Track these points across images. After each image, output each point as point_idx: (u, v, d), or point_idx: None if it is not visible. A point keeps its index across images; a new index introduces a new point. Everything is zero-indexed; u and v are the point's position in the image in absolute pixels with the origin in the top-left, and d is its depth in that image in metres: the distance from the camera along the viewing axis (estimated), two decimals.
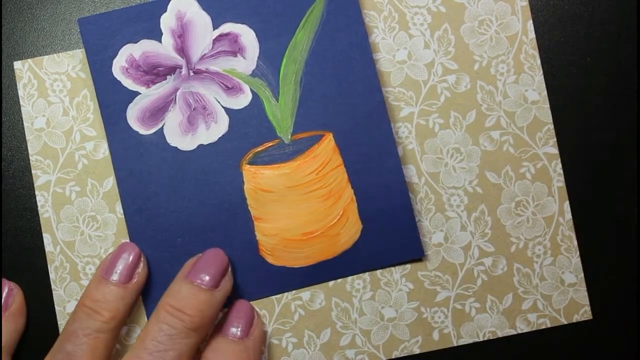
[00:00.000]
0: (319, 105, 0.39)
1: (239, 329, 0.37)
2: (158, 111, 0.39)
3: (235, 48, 0.39)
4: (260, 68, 0.39)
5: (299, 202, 0.39)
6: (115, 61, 0.39)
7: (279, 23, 0.39)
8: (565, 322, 0.39)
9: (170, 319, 0.35)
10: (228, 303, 0.38)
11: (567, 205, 0.40)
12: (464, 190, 0.39)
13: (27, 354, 0.39)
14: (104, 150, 0.39)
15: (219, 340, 0.36)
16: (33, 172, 0.39)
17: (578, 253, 0.39)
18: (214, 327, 0.37)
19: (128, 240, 0.38)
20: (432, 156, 0.39)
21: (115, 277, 0.36)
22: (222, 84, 0.39)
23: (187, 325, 0.35)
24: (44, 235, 0.39)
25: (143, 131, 0.39)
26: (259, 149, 0.39)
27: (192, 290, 0.35)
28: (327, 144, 0.39)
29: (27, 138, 0.39)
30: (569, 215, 0.40)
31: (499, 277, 0.39)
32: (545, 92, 0.40)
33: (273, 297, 0.39)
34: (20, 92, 0.39)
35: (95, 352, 0.35)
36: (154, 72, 0.39)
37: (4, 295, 0.38)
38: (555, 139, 0.40)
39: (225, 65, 0.39)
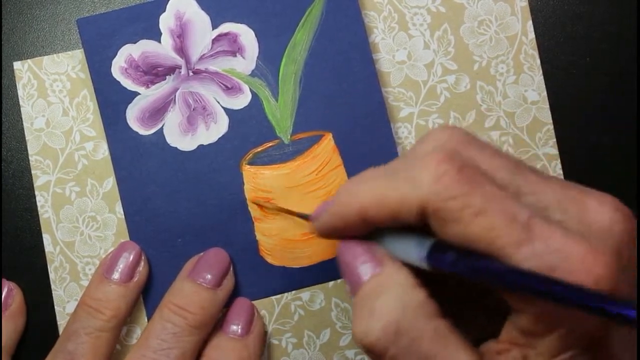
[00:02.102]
0: (318, 105, 0.39)
1: (239, 327, 0.37)
2: (157, 111, 0.39)
3: (234, 48, 0.39)
4: (260, 68, 0.39)
5: (298, 202, 0.39)
6: (114, 61, 0.39)
7: (278, 23, 0.39)
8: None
9: (173, 317, 0.35)
10: (228, 302, 0.38)
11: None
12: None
13: (27, 354, 0.39)
14: (103, 151, 0.39)
15: (220, 338, 0.36)
16: (33, 172, 0.39)
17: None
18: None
19: (128, 240, 0.38)
20: None
21: (116, 275, 0.37)
22: (222, 84, 0.39)
23: (190, 323, 0.35)
24: (43, 235, 0.39)
25: (143, 131, 0.39)
26: (259, 149, 0.39)
27: (194, 289, 0.36)
28: (327, 144, 0.39)
29: (26, 138, 0.39)
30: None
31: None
32: (544, 93, 0.40)
33: (273, 297, 0.39)
34: (20, 93, 0.39)
35: (97, 351, 0.35)
36: (153, 72, 0.39)
37: (3, 295, 0.38)
38: (554, 139, 0.40)
39: (224, 65, 0.39)
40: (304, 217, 0.37)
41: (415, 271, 0.26)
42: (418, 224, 0.25)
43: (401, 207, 0.25)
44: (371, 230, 0.28)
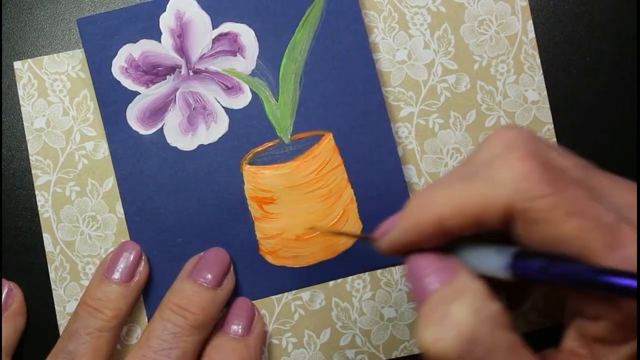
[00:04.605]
0: (318, 105, 0.39)
1: (240, 327, 0.37)
2: (158, 111, 0.39)
3: (234, 47, 0.39)
4: (260, 68, 0.39)
5: (299, 202, 0.39)
6: (114, 61, 0.39)
7: (279, 22, 0.39)
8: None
9: (174, 317, 0.35)
10: (229, 302, 0.38)
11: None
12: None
13: (27, 354, 0.39)
14: (104, 150, 0.39)
15: (221, 338, 0.36)
16: (33, 172, 0.39)
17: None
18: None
19: (129, 240, 0.38)
20: (432, 156, 0.39)
21: (116, 275, 0.37)
22: (222, 83, 0.39)
23: (190, 323, 0.35)
24: (44, 235, 0.39)
25: (143, 131, 0.39)
26: (259, 149, 0.39)
27: (195, 289, 0.36)
28: (327, 144, 0.39)
29: (27, 138, 0.39)
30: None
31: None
32: (545, 92, 0.40)
33: (273, 297, 0.39)
34: (20, 92, 0.39)
35: (98, 350, 0.35)
36: (153, 72, 0.39)
37: (3, 295, 0.38)
38: (555, 139, 0.40)
39: (224, 64, 0.39)
40: (364, 239, 0.36)
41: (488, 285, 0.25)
42: (499, 230, 0.25)
43: (484, 210, 0.24)
44: (444, 244, 0.27)
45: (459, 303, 0.24)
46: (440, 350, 0.23)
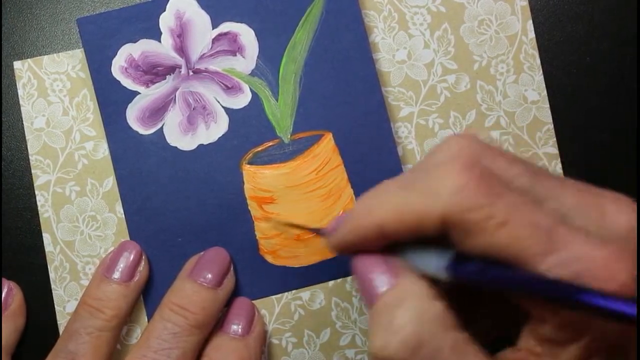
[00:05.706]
0: (318, 105, 0.39)
1: (240, 326, 0.37)
2: (158, 111, 0.39)
3: (234, 47, 0.39)
4: (260, 67, 0.39)
5: (298, 202, 0.39)
6: (114, 61, 0.39)
7: (278, 22, 0.39)
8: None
9: (174, 316, 0.35)
10: (228, 302, 0.38)
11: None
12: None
13: (27, 354, 0.39)
14: (103, 150, 0.39)
15: (220, 338, 0.36)
16: (33, 171, 0.39)
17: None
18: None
19: (128, 239, 0.38)
20: None
21: (117, 275, 0.37)
22: (222, 83, 0.39)
23: (190, 322, 0.35)
24: (43, 235, 0.39)
25: (143, 131, 0.39)
26: (259, 148, 0.39)
27: (195, 289, 0.36)
28: (327, 144, 0.39)
29: (26, 138, 0.39)
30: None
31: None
32: (545, 92, 0.40)
33: (273, 296, 0.39)
34: (20, 92, 0.39)
35: (98, 350, 0.35)
36: (153, 71, 0.39)
37: (3, 294, 0.38)
38: (555, 139, 0.40)
39: (224, 64, 0.39)
40: (316, 231, 0.37)
41: (432, 283, 0.26)
42: (437, 236, 0.25)
43: (421, 220, 0.25)
44: (388, 244, 0.27)
45: (402, 308, 0.25)
46: (387, 356, 0.24)
